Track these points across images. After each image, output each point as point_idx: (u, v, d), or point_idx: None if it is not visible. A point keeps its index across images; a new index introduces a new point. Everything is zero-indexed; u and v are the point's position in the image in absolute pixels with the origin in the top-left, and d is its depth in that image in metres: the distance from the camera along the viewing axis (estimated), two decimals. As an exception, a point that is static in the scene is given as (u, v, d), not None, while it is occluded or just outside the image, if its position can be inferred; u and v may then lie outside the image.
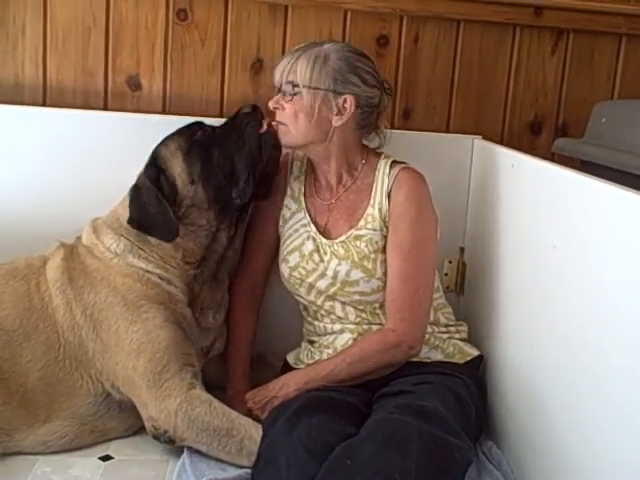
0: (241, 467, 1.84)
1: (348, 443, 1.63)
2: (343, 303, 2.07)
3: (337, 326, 2.09)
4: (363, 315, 2.06)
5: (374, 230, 2.04)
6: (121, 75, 2.43)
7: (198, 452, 1.89)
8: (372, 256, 2.03)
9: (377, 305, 2.05)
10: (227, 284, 2.23)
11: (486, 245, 2.25)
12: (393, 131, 2.48)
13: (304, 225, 2.14)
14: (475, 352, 2.11)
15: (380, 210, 2.05)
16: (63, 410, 1.96)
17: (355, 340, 2.03)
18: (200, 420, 1.86)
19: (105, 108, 2.43)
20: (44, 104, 2.41)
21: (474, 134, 2.49)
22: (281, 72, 2.02)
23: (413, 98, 2.55)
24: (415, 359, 2.02)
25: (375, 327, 2.06)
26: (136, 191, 2.05)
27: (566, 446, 1.67)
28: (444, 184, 2.41)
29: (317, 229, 2.12)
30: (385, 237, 2.04)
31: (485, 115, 2.59)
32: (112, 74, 2.42)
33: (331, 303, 2.08)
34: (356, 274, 2.03)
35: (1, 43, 2.37)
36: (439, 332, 2.09)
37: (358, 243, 2.05)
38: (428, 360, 2.03)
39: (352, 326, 2.07)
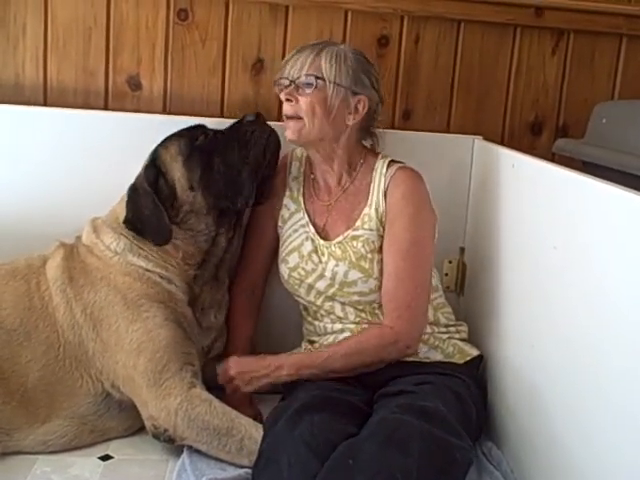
0: (241, 467, 1.85)
1: (350, 442, 1.63)
2: (342, 303, 2.07)
3: (337, 326, 2.09)
4: (363, 315, 2.06)
5: (370, 230, 2.04)
6: (122, 75, 2.42)
7: (198, 452, 1.89)
8: (369, 256, 2.03)
9: (376, 305, 2.05)
10: (227, 284, 2.23)
11: (486, 245, 2.24)
12: (393, 131, 2.50)
13: (303, 225, 2.14)
14: (475, 352, 2.10)
15: (377, 210, 2.05)
16: (63, 410, 1.96)
17: None
18: (200, 419, 1.87)
19: (106, 108, 2.43)
20: (45, 104, 2.41)
21: (474, 134, 2.49)
22: (300, 66, 2.00)
23: (413, 98, 2.55)
24: (415, 359, 2.02)
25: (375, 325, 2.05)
26: (133, 192, 2.06)
27: (566, 446, 1.67)
28: (444, 184, 2.41)
29: (316, 230, 2.12)
30: (382, 237, 2.04)
31: (486, 115, 2.58)
32: (113, 74, 2.42)
33: (331, 303, 2.08)
34: (354, 274, 2.03)
35: (2, 43, 2.37)
36: (439, 332, 2.09)
37: (355, 243, 2.05)
38: (428, 360, 2.03)
39: (352, 326, 2.07)
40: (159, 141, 2.12)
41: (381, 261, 2.03)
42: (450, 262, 2.48)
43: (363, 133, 2.13)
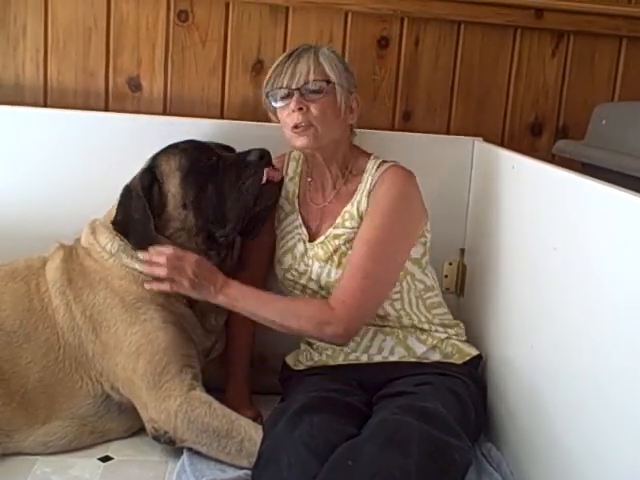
0: (241, 468, 1.85)
1: (350, 443, 1.63)
2: None
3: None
4: None
5: (352, 228, 2.03)
6: (122, 76, 2.43)
7: (198, 453, 1.89)
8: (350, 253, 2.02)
9: None
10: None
11: (486, 247, 2.25)
12: (393, 133, 2.50)
13: (296, 227, 2.14)
14: (474, 352, 2.10)
15: (358, 208, 2.04)
16: (63, 411, 1.96)
17: None
18: (200, 421, 1.87)
19: (106, 109, 2.43)
20: (45, 105, 2.41)
21: (475, 136, 2.49)
22: (304, 72, 1.98)
23: (413, 100, 2.55)
24: (413, 359, 2.02)
25: (372, 327, 2.05)
26: (126, 193, 2.05)
27: (566, 447, 1.67)
28: (444, 186, 2.41)
29: (307, 232, 2.11)
30: None
31: (486, 117, 2.59)
32: (113, 75, 2.42)
33: None
34: (337, 274, 2.02)
35: (2, 44, 2.37)
36: (436, 332, 2.08)
37: (336, 242, 2.04)
38: (427, 360, 2.03)
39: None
40: (159, 142, 2.12)
41: None
42: (450, 264, 2.48)
43: (352, 132, 2.14)
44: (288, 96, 2.01)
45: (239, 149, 2.17)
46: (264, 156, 2.04)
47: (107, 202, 2.13)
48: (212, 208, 2.03)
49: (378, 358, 2.03)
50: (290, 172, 2.21)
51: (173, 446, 1.91)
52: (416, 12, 2.47)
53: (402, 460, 1.56)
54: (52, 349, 1.97)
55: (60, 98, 2.42)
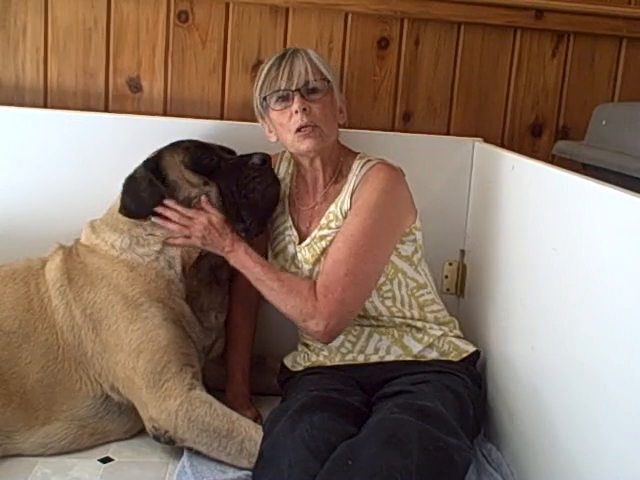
0: (241, 468, 1.85)
1: (349, 443, 1.63)
2: None
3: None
4: None
5: (337, 228, 2.02)
6: (122, 77, 2.43)
7: (198, 454, 1.89)
8: None
9: None
10: (228, 286, 2.23)
11: (487, 247, 2.25)
12: (393, 134, 2.50)
13: (287, 229, 2.13)
14: (471, 348, 2.09)
15: (341, 208, 2.03)
16: (63, 412, 1.96)
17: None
18: (200, 421, 1.87)
19: (106, 110, 2.43)
20: (45, 106, 2.41)
21: (475, 137, 2.49)
22: (302, 73, 1.98)
23: (414, 101, 2.55)
24: (410, 358, 2.02)
25: (367, 327, 2.05)
26: (130, 182, 2.06)
27: (567, 448, 1.67)
28: (445, 187, 2.42)
29: (298, 234, 2.11)
30: None
31: (486, 118, 2.59)
32: (113, 76, 2.43)
33: None
34: None
35: (2, 45, 2.38)
36: (431, 329, 2.07)
37: (323, 243, 2.04)
38: (424, 359, 2.03)
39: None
40: (159, 143, 2.12)
41: None
42: (450, 264, 2.48)
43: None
44: (287, 98, 2.00)
45: (239, 149, 2.18)
46: (266, 160, 2.07)
47: (107, 202, 2.13)
48: (222, 208, 2.06)
49: (375, 358, 2.03)
50: (281, 172, 2.20)
51: (173, 445, 1.91)
52: (416, 13, 2.47)
53: (402, 460, 1.56)
54: (51, 349, 1.97)
55: (60, 99, 2.42)
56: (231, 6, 2.43)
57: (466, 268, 2.46)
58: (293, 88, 1.99)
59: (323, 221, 2.06)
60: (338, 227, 2.02)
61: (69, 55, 2.40)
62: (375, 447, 1.59)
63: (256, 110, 2.10)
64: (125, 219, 2.05)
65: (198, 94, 2.46)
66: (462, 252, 2.48)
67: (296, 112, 1.97)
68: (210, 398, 1.91)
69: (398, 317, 2.05)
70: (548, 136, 2.62)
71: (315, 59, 2.03)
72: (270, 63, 2.04)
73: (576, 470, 1.62)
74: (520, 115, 2.61)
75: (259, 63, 2.42)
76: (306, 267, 2.06)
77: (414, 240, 2.09)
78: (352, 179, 2.05)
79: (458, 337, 2.11)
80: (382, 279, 2.02)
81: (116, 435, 2.02)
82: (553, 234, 1.80)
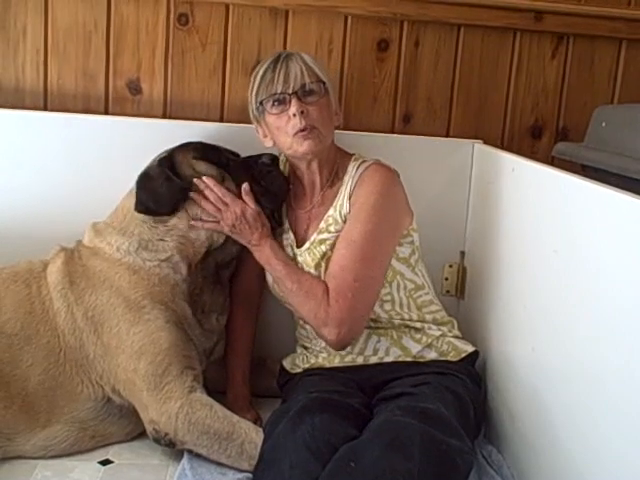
0: (241, 471, 1.85)
1: (352, 445, 1.63)
2: None
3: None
4: None
5: (337, 232, 2.02)
6: (122, 79, 2.43)
7: (198, 456, 1.89)
8: None
9: None
10: (229, 288, 2.23)
11: (487, 249, 2.25)
12: (393, 136, 2.50)
13: (283, 232, 2.13)
14: (470, 348, 2.09)
15: (340, 212, 2.03)
16: (63, 414, 1.96)
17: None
18: (201, 423, 1.86)
19: (106, 112, 2.43)
20: (45, 108, 2.41)
21: (474, 138, 2.49)
22: (298, 75, 1.98)
23: (413, 102, 2.55)
24: (409, 359, 2.02)
25: (366, 329, 2.03)
26: (144, 178, 2.05)
27: (568, 451, 1.67)
28: (444, 188, 2.42)
29: (295, 237, 2.11)
30: None
31: (485, 119, 2.59)
32: (113, 78, 2.43)
33: None
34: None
35: (2, 47, 2.38)
36: (429, 329, 2.07)
37: (322, 247, 2.03)
38: (423, 360, 2.03)
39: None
40: (159, 145, 2.12)
41: None
42: (450, 266, 2.48)
43: None
44: (284, 102, 1.99)
45: (239, 151, 2.19)
46: (275, 159, 2.11)
47: (108, 205, 2.13)
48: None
49: (374, 359, 2.03)
50: None
51: (173, 448, 1.91)
52: (416, 15, 2.48)
53: (405, 463, 1.55)
54: (53, 352, 1.97)
55: (60, 101, 2.42)
56: (231, 8, 2.43)
57: (466, 270, 2.46)
58: (290, 91, 1.98)
59: (322, 225, 2.05)
60: (337, 231, 2.02)
61: (69, 57, 2.40)
62: (378, 450, 1.59)
63: (251, 115, 2.10)
64: (137, 222, 2.05)
65: (198, 96, 2.46)
66: (462, 254, 2.48)
67: (294, 115, 1.97)
68: (210, 401, 1.91)
69: (397, 319, 2.05)
70: (548, 138, 2.63)
71: (309, 62, 2.03)
72: (264, 67, 2.04)
73: (577, 471, 1.62)
74: (520, 117, 2.61)
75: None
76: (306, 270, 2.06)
77: (411, 242, 2.09)
78: (348, 181, 2.05)
79: (457, 337, 2.11)
80: None
81: (117, 437, 2.02)
82: (553, 235, 1.80)
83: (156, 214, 2.04)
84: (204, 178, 2.03)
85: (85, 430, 1.97)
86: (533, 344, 1.88)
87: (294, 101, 1.97)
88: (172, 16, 2.41)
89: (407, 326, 2.05)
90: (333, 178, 2.10)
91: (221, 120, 2.47)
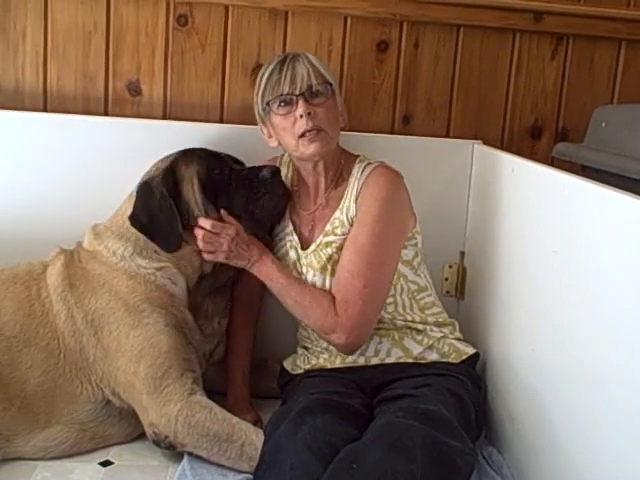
0: (241, 472, 1.85)
1: (354, 446, 1.63)
2: None
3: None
4: None
5: (343, 235, 2.02)
6: (121, 81, 2.43)
7: (198, 457, 1.89)
8: None
9: None
10: (230, 290, 2.23)
11: (486, 250, 2.24)
12: (393, 136, 2.50)
13: (287, 234, 2.13)
14: (471, 350, 2.09)
15: (347, 214, 2.03)
16: (63, 416, 1.96)
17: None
18: (200, 425, 1.86)
19: (105, 114, 2.43)
20: (45, 110, 2.41)
21: (474, 139, 2.49)
22: (305, 77, 1.98)
23: (413, 103, 2.55)
24: (411, 360, 2.02)
25: None
26: (146, 190, 2.04)
27: (567, 450, 1.67)
28: (444, 189, 2.42)
29: (299, 239, 2.10)
30: None
31: (485, 120, 2.59)
32: (112, 79, 2.43)
33: None
34: (331, 282, 2.01)
35: (2, 49, 2.38)
36: (431, 331, 2.07)
37: (329, 250, 2.03)
38: (424, 361, 2.03)
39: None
40: (159, 147, 2.13)
41: None
42: (450, 267, 2.48)
43: None
44: (290, 103, 1.99)
45: (239, 153, 2.19)
46: (276, 174, 2.08)
47: (108, 206, 2.13)
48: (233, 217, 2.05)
49: (375, 360, 2.03)
50: None
51: (173, 451, 1.91)
52: (415, 16, 2.48)
53: (407, 465, 1.55)
54: (52, 354, 1.97)
55: (60, 103, 2.42)
56: (230, 9, 2.43)
57: (466, 270, 2.46)
58: (297, 92, 1.98)
59: (328, 227, 2.05)
60: (344, 233, 2.02)
61: (69, 59, 2.40)
62: (380, 451, 1.58)
63: (257, 115, 2.10)
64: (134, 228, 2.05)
65: (198, 97, 2.46)
66: (462, 254, 2.48)
67: (301, 116, 1.96)
68: (210, 403, 1.91)
69: (399, 320, 2.05)
70: (547, 138, 2.62)
71: (316, 63, 2.03)
72: (271, 68, 2.03)
73: (577, 471, 1.62)
74: (519, 117, 2.61)
75: (258, 66, 2.42)
76: (311, 273, 2.05)
77: (415, 244, 2.09)
78: (354, 183, 2.05)
79: (458, 339, 2.11)
80: None
81: (117, 439, 2.02)
82: (553, 236, 1.80)
83: (145, 234, 2.03)
84: (195, 229, 2.02)
85: (85, 431, 1.97)
86: (533, 344, 1.88)
87: (301, 102, 1.97)
88: (171, 17, 2.41)
89: (409, 327, 2.05)
90: (338, 179, 2.10)
91: (221, 121, 2.47)
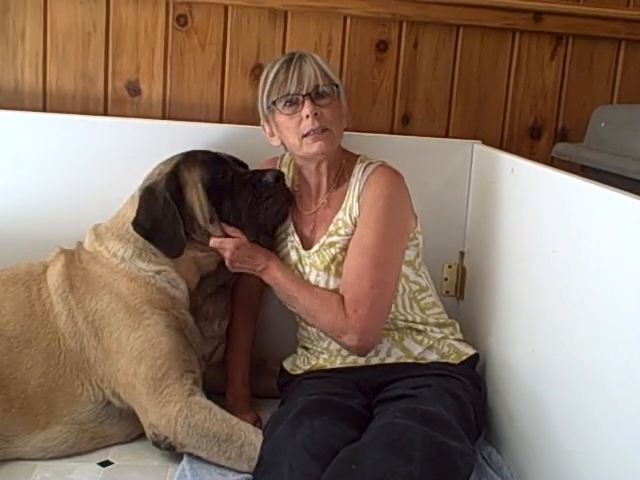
0: (241, 472, 1.85)
1: (352, 447, 1.63)
2: None
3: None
4: None
5: (346, 235, 2.02)
6: (121, 80, 2.43)
7: (198, 458, 1.89)
8: None
9: None
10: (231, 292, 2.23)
11: (486, 250, 2.24)
12: (392, 136, 2.50)
13: (288, 234, 2.12)
14: (471, 351, 2.09)
15: (350, 215, 2.03)
16: (63, 416, 1.96)
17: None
18: (200, 426, 1.86)
19: (105, 113, 2.43)
20: (44, 110, 2.41)
21: (474, 139, 2.49)
22: (312, 77, 1.97)
23: (412, 103, 2.55)
24: (411, 360, 2.02)
25: None
26: (150, 196, 2.04)
27: (567, 451, 1.67)
28: (444, 189, 2.42)
29: (300, 239, 2.10)
30: None
31: (485, 120, 2.59)
32: (112, 79, 2.43)
33: None
34: (335, 283, 2.02)
35: (1, 48, 2.37)
36: (431, 332, 2.07)
37: (332, 250, 2.03)
38: (424, 361, 2.03)
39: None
40: (158, 146, 2.13)
41: None
42: (450, 267, 2.48)
43: None
44: (296, 103, 1.98)
45: (239, 152, 2.18)
46: (279, 178, 2.07)
47: (107, 206, 2.13)
48: (235, 223, 2.05)
49: (375, 360, 2.03)
50: None
51: (173, 451, 1.91)
52: (415, 16, 2.48)
53: (406, 466, 1.55)
54: (53, 355, 1.97)
55: (59, 103, 2.42)
56: (230, 9, 2.43)
57: (465, 270, 2.46)
58: (303, 92, 1.97)
59: (332, 228, 2.05)
60: (347, 234, 2.02)
61: (68, 59, 2.40)
62: (379, 452, 1.58)
63: (261, 113, 2.09)
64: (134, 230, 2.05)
65: (197, 97, 2.46)
66: (461, 254, 2.48)
67: (307, 117, 1.96)
68: (210, 403, 1.91)
69: (400, 320, 2.05)
70: (547, 138, 2.63)
71: (322, 64, 2.02)
72: (277, 67, 2.02)
73: (576, 471, 1.62)
74: (519, 117, 2.61)
75: (258, 66, 2.43)
76: (314, 273, 2.05)
77: (417, 244, 2.09)
78: (355, 184, 2.05)
79: (458, 340, 2.11)
80: None
81: (116, 439, 2.02)
82: (553, 236, 1.80)
83: (147, 239, 2.03)
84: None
85: (84, 432, 1.97)
86: (533, 345, 1.88)
87: (307, 102, 1.97)
88: (171, 17, 2.41)
89: (410, 328, 2.05)
90: (339, 179, 2.10)
91: (220, 121, 2.47)
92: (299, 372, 2.11)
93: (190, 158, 2.09)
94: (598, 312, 1.57)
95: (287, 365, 2.17)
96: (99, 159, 2.30)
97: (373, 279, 1.93)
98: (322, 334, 2.06)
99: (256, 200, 2.05)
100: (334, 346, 2.05)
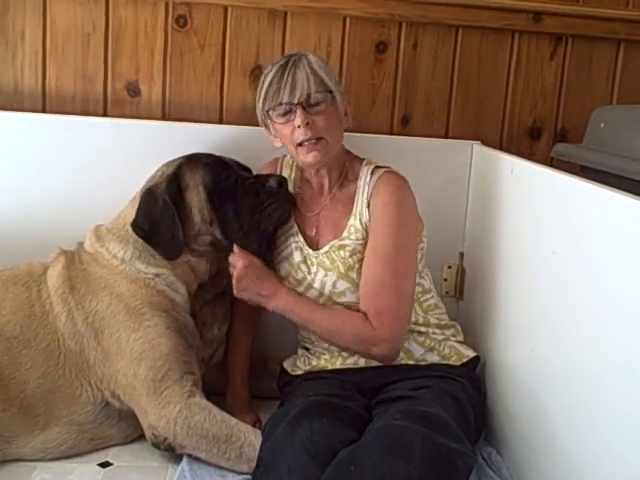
0: (240, 473, 1.85)
1: (352, 449, 1.63)
2: None
3: (331, 331, 2.07)
4: None
5: (357, 240, 2.02)
6: (120, 81, 2.43)
7: (197, 459, 1.89)
8: (357, 266, 2.01)
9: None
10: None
11: (486, 250, 2.24)
12: (392, 137, 2.50)
13: (292, 235, 2.12)
14: (471, 353, 2.09)
15: (361, 220, 2.03)
16: (62, 417, 1.96)
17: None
18: (199, 427, 1.86)
19: (104, 114, 2.43)
20: (43, 110, 2.41)
21: (473, 140, 2.49)
22: (305, 85, 1.95)
23: (412, 104, 2.55)
24: (411, 362, 2.02)
25: None
26: (150, 197, 2.04)
27: (566, 451, 1.67)
28: (443, 190, 2.42)
29: (305, 239, 2.10)
30: None
31: (484, 121, 2.59)
32: (111, 80, 2.43)
33: None
34: (342, 285, 2.02)
35: (1, 49, 2.37)
36: (433, 334, 2.07)
37: (342, 253, 2.03)
38: (425, 363, 2.03)
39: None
40: (158, 147, 2.13)
41: None
42: (449, 267, 2.48)
43: None
44: (290, 112, 1.98)
45: (238, 153, 2.18)
46: (282, 184, 2.06)
47: (107, 207, 2.13)
48: (236, 227, 2.05)
49: (376, 362, 2.02)
50: None
51: (173, 452, 1.91)
52: (414, 17, 2.48)
53: (405, 467, 1.55)
54: (52, 355, 1.96)
55: (59, 103, 2.42)
56: (229, 10, 2.43)
57: (465, 271, 2.46)
58: (295, 102, 1.96)
59: (345, 234, 2.04)
60: (358, 238, 2.02)
61: (67, 60, 2.40)
62: (378, 453, 1.58)
63: (260, 119, 2.09)
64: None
65: (197, 98, 2.46)
66: (461, 255, 2.48)
67: (298, 127, 1.96)
68: (209, 405, 1.91)
69: None
70: (546, 139, 2.63)
71: (317, 67, 2.00)
72: (272, 74, 2.01)
73: (576, 472, 1.62)
74: (518, 118, 2.61)
75: (258, 67, 2.43)
76: (321, 273, 2.04)
77: (422, 248, 2.10)
78: (364, 188, 2.04)
79: (459, 342, 2.11)
80: None
81: (116, 440, 2.02)
82: (552, 237, 1.80)
83: (146, 241, 2.03)
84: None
85: (84, 433, 1.97)
86: (532, 345, 1.88)
87: (299, 112, 1.95)
88: (170, 18, 2.41)
89: (411, 329, 2.05)
90: (342, 180, 2.10)
91: (220, 122, 2.47)
92: (299, 372, 2.11)
93: (193, 160, 2.08)
94: (598, 312, 1.57)
95: (287, 365, 2.16)
96: (99, 160, 2.30)
97: (394, 286, 1.95)
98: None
99: (259, 205, 2.04)
100: (335, 347, 2.05)
